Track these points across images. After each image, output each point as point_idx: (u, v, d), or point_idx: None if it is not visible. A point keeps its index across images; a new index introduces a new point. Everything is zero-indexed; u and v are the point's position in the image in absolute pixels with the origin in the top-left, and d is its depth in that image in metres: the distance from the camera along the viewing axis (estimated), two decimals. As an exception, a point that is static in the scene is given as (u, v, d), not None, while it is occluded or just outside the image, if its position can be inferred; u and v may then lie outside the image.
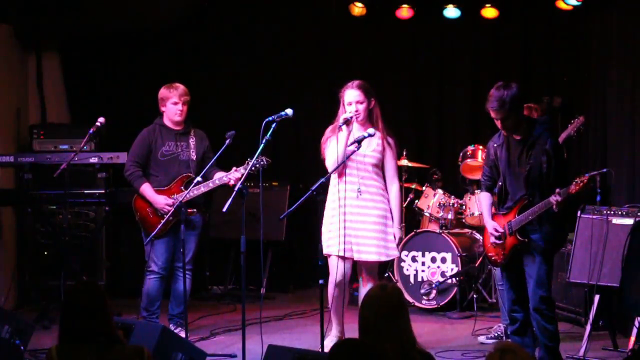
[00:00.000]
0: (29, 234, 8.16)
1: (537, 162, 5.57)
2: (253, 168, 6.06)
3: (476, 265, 7.85)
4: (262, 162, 6.21)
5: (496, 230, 5.76)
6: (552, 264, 5.80)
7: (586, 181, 5.38)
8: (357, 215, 6.13)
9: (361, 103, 6.21)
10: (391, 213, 6.25)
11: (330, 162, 6.16)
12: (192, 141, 6.91)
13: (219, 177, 6.67)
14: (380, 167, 6.26)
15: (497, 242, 5.76)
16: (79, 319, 3.76)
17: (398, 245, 6.33)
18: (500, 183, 5.80)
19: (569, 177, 5.60)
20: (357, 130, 6.19)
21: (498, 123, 5.66)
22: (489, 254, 5.91)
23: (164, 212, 6.68)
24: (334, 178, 6.21)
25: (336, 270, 6.13)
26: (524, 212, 5.60)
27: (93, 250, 8.23)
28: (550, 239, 5.64)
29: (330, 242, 6.16)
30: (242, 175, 6.47)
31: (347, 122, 6.13)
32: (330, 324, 6.25)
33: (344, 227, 6.08)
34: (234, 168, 6.56)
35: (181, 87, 6.88)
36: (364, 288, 6.22)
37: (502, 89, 5.58)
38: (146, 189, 6.77)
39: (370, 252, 6.17)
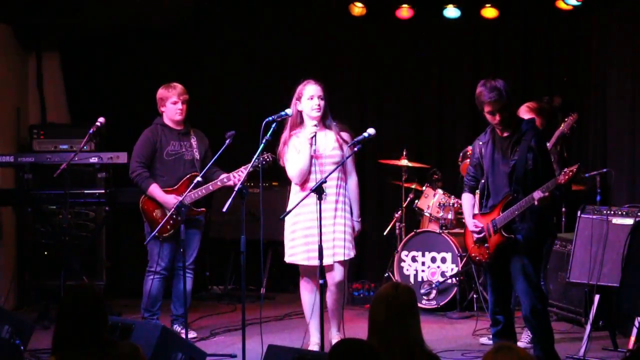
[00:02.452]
0: (29, 234, 8.17)
1: (522, 158, 5.51)
2: (259, 165, 6.04)
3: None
4: (268, 159, 6.22)
5: (475, 226, 5.74)
6: (540, 260, 5.79)
7: (575, 170, 5.32)
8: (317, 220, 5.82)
9: (323, 98, 6.11)
10: (351, 208, 6.14)
11: (295, 169, 6.04)
12: (193, 141, 6.93)
13: (223, 177, 6.66)
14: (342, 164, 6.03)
15: (479, 236, 5.72)
16: (78, 324, 3.66)
17: (354, 238, 6.10)
18: (482, 181, 5.77)
19: (557, 173, 5.57)
20: (310, 128, 6.06)
21: (497, 117, 5.53)
22: (472, 254, 5.87)
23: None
24: (295, 185, 6.13)
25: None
26: (509, 208, 5.58)
27: (93, 250, 8.23)
28: (532, 237, 5.60)
29: (291, 250, 6.14)
30: (246, 173, 6.49)
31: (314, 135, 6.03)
32: (308, 333, 6.19)
33: (310, 234, 5.98)
34: (242, 168, 6.53)
35: (179, 87, 6.88)
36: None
37: (489, 81, 5.53)
38: (155, 190, 6.73)
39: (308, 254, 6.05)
